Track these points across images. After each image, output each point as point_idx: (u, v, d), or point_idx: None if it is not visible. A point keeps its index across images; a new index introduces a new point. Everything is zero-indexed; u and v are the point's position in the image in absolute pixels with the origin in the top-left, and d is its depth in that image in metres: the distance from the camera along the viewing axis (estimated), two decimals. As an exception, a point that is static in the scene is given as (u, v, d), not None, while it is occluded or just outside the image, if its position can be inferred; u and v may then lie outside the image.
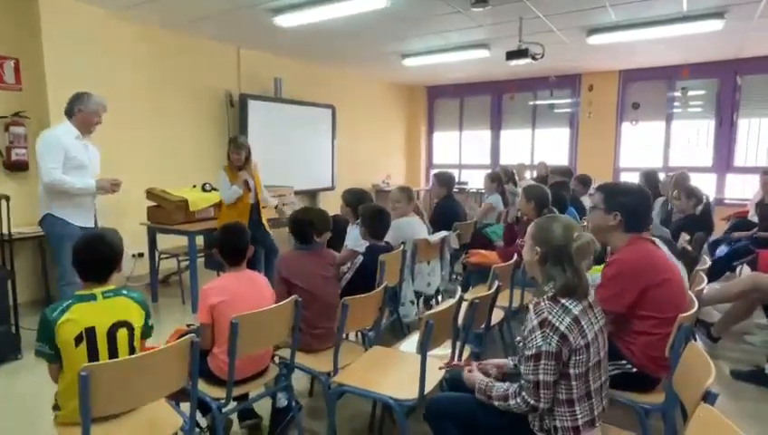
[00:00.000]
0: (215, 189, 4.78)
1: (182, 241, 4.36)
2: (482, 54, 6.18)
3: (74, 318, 1.65)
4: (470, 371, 1.83)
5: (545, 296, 1.61)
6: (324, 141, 7.49)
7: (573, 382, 1.55)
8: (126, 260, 4.74)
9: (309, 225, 2.53)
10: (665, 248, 2.21)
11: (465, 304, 2.22)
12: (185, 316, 4.12)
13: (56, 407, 1.77)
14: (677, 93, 7.39)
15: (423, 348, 1.93)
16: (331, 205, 7.15)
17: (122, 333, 1.74)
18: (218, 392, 2.02)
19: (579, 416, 1.56)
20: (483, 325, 2.50)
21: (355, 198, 3.35)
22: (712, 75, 7.09)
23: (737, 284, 3.32)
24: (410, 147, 9.89)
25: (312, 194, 7.54)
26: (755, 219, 4.87)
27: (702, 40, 5.58)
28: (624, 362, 2.00)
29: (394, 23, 5.06)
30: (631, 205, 2.12)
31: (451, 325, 2.22)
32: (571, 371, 1.54)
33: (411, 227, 3.49)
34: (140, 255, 4.93)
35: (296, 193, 6.05)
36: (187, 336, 1.65)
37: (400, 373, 2.21)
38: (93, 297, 1.72)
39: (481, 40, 5.81)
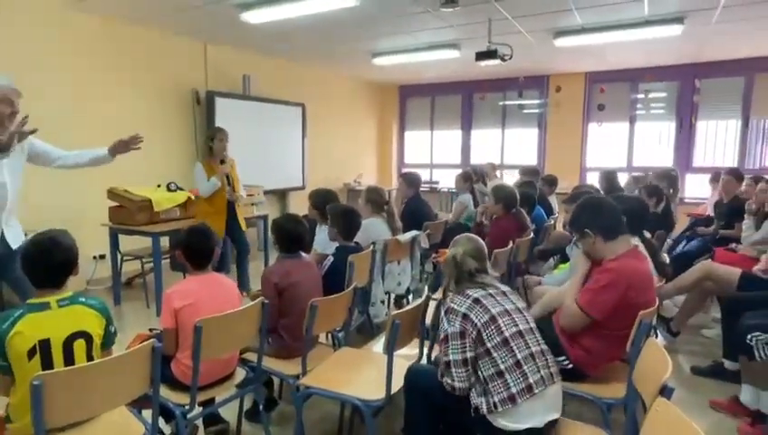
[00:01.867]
0: (180, 189, 4.67)
1: (146, 242, 4.24)
2: (452, 55, 6.23)
3: (25, 330, 1.56)
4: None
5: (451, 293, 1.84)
6: (294, 140, 7.41)
7: (495, 354, 1.67)
8: (87, 262, 4.64)
9: (301, 235, 2.51)
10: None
11: (433, 304, 2.24)
12: (149, 320, 4.01)
13: (8, 419, 1.68)
14: (641, 96, 7.63)
15: (390, 348, 1.93)
16: (301, 204, 7.09)
17: (79, 344, 1.65)
18: (182, 398, 1.96)
19: (512, 385, 1.65)
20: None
21: (322, 200, 3.32)
22: (673, 78, 7.35)
23: (690, 274, 3.43)
24: (382, 146, 9.89)
25: (282, 194, 7.46)
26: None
27: (663, 44, 5.77)
28: (562, 358, 2.06)
29: (364, 21, 5.04)
30: (589, 216, 2.18)
31: (419, 325, 2.23)
32: (488, 344, 1.68)
33: (376, 228, 3.50)
34: (102, 257, 4.77)
35: (265, 193, 5.98)
36: (147, 341, 1.60)
37: (368, 374, 2.20)
38: (47, 306, 1.63)
39: (451, 40, 5.85)
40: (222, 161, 4.17)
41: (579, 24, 5.07)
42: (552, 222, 5.01)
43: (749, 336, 2.33)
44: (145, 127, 5.45)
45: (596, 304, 2.02)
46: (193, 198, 4.62)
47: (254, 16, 4.68)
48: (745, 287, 3.05)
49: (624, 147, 7.87)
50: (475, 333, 1.69)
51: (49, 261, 1.65)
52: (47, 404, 1.39)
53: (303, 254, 2.61)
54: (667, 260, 3.07)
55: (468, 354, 1.69)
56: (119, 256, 4.41)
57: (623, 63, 7.19)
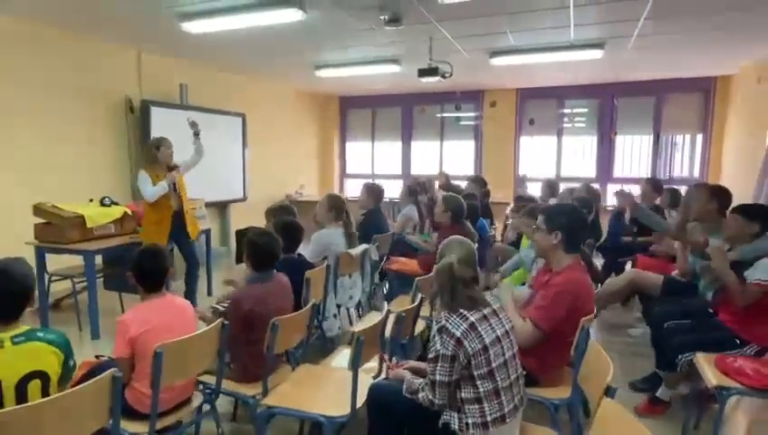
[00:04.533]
0: (115, 203, 4.43)
1: (76, 261, 3.98)
2: (393, 69, 6.38)
3: None
4: (392, 369, 2.04)
5: (446, 308, 1.77)
6: (235, 151, 7.23)
7: (478, 382, 1.70)
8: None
9: (275, 251, 2.42)
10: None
11: (392, 317, 2.30)
12: (83, 344, 3.77)
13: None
14: (566, 111, 8.20)
15: (354, 364, 1.97)
16: (243, 217, 6.93)
17: (34, 386, 1.54)
18: (138, 427, 1.89)
19: (488, 413, 1.70)
20: (407, 336, 2.59)
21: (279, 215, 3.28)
22: (594, 96, 7.98)
23: (619, 281, 3.73)
24: (324, 156, 9.87)
25: (223, 205, 7.25)
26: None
27: (586, 66, 6.27)
28: None
29: (308, 35, 5.06)
30: (569, 224, 2.29)
31: (379, 339, 2.28)
32: (474, 372, 1.69)
33: (331, 239, 3.51)
34: (26, 277, 4.40)
35: (206, 205, 5.80)
36: (108, 372, 1.53)
37: (330, 390, 2.22)
38: None
39: (393, 56, 6.00)
40: (173, 168, 4.06)
41: (512, 45, 5.40)
42: (492, 232, 5.26)
43: (679, 356, 2.51)
44: (72, 137, 5.15)
45: (548, 320, 2.16)
46: (130, 212, 4.40)
47: (195, 27, 4.54)
48: (668, 289, 3.37)
49: (553, 158, 8.41)
50: (465, 360, 1.68)
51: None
52: (-2, 446, 1.31)
53: (275, 272, 2.50)
54: (600, 267, 3.32)
55: (454, 377, 1.70)
56: (46, 277, 4.10)
57: (551, 82, 7.71)
